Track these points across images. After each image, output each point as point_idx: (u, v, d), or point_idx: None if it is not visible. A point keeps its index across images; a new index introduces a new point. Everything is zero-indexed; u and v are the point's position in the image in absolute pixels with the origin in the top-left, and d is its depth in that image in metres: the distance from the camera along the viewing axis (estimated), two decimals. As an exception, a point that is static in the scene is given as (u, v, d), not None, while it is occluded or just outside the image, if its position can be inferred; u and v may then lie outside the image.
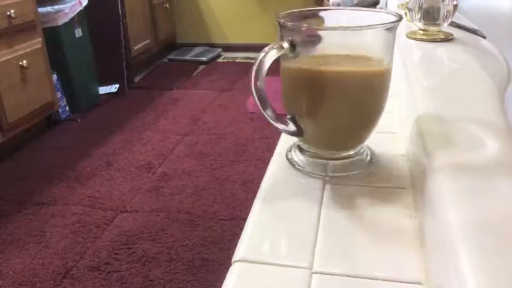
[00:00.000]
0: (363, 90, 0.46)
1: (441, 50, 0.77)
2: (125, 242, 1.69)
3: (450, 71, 0.71)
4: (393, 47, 0.47)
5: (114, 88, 3.21)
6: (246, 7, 4.07)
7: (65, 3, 2.70)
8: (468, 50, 0.76)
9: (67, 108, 2.82)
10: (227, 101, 3.04)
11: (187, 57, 3.99)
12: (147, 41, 3.67)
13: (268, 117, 0.47)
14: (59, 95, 2.71)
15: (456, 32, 0.83)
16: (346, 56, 0.47)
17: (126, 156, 2.33)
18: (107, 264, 1.59)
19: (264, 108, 0.47)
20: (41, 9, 2.55)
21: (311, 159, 0.51)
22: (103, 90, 3.17)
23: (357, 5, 1.66)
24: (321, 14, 0.54)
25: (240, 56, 4.09)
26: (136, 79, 3.53)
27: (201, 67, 3.82)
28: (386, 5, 1.40)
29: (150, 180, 2.10)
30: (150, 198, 1.96)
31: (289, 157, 0.53)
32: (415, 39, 0.82)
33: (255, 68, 0.44)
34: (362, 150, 0.52)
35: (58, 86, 2.72)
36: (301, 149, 0.53)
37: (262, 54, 0.45)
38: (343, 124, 0.48)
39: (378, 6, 1.44)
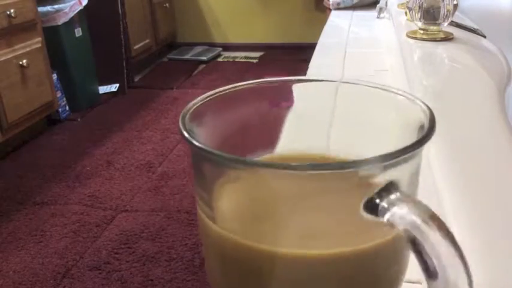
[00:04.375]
0: (361, 273, 0.23)
1: (441, 50, 0.77)
2: (125, 242, 1.69)
3: (450, 70, 0.71)
4: (418, 175, 0.25)
5: (114, 87, 3.21)
6: (246, 6, 4.07)
7: (64, 2, 2.70)
8: (468, 50, 0.76)
9: (67, 107, 2.82)
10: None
11: (187, 57, 3.99)
12: (147, 41, 3.67)
13: None
14: (58, 94, 2.71)
15: (456, 32, 0.83)
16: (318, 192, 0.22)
17: (126, 156, 2.33)
18: (107, 263, 1.59)
19: None
20: (40, 9, 2.55)
21: None
22: (103, 89, 3.16)
23: (356, 4, 1.66)
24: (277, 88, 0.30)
25: (240, 55, 4.08)
26: (136, 78, 3.53)
27: (201, 66, 3.82)
28: (386, 4, 1.40)
29: (150, 180, 2.10)
30: (150, 197, 1.96)
31: None
32: (415, 38, 0.82)
33: None
34: None
35: (58, 86, 2.72)
36: None
37: None
38: None
39: (377, 5, 1.44)
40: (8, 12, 2.23)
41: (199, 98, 0.26)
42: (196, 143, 0.22)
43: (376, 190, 0.21)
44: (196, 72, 3.70)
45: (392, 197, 0.21)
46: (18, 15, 2.29)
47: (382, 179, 0.22)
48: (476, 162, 0.40)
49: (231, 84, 0.27)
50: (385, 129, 0.28)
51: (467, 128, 0.46)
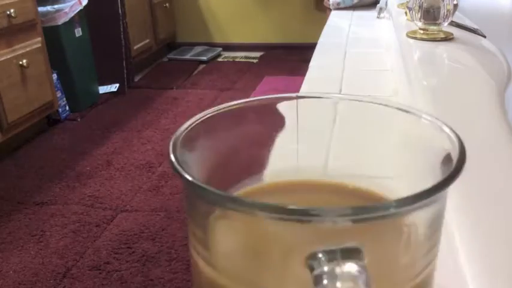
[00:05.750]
0: None
1: (441, 50, 0.77)
2: (125, 242, 1.69)
3: (450, 70, 0.71)
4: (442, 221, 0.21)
5: (114, 87, 3.21)
6: (246, 6, 4.07)
7: (64, 2, 2.70)
8: (468, 50, 0.76)
9: (67, 107, 2.82)
10: (227, 100, 3.02)
11: (187, 57, 3.99)
12: (147, 41, 3.67)
13: None
14: (58, 94, 2.71)
15: (456, 32, 0.83)
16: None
17: (126, 156, 2.33)
18: (107, 263, 1.59)
19: None
20: (40, 9, 2.55)
21: None
22: (103, 89, 3.16)
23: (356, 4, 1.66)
24: (280, 107, 0.27)
25: (240, 55, 4.08)
26: (136, 78, 3.53)
27: (201, 66, 3.82)
28: (386, 4, 1.40)
29: (150, 180, 2.10)
30: (150, 197, 1.96)
31: None
32: (415, 38, 0.82)
33: None
34: None
35: (58, 86, 2.72)
36: None
37: None
38: None
39: (377, 5, 1.44)
40: (8, 12, 2.23)
41: (188, 123, 0.24)
42: (190, 178, 0.20)
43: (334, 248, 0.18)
44: (196, 72, 3.70)
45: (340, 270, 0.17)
46: (18, 15, 2.29)
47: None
48: (476, 163, 0.40)
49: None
50: (398, 157, 0.24)
51: (467, 128, 0.46)
